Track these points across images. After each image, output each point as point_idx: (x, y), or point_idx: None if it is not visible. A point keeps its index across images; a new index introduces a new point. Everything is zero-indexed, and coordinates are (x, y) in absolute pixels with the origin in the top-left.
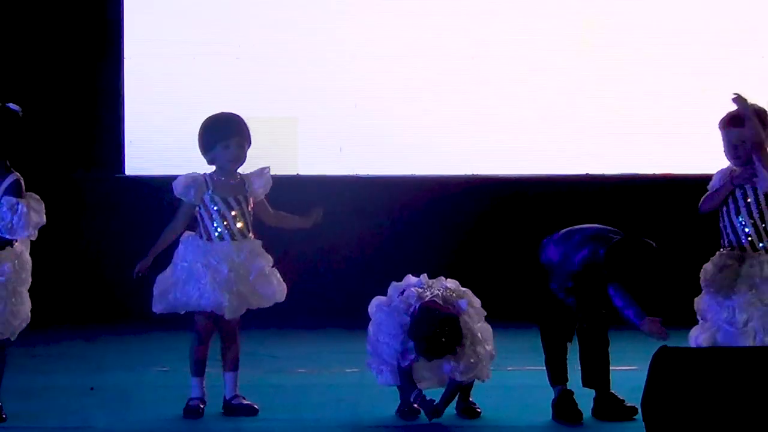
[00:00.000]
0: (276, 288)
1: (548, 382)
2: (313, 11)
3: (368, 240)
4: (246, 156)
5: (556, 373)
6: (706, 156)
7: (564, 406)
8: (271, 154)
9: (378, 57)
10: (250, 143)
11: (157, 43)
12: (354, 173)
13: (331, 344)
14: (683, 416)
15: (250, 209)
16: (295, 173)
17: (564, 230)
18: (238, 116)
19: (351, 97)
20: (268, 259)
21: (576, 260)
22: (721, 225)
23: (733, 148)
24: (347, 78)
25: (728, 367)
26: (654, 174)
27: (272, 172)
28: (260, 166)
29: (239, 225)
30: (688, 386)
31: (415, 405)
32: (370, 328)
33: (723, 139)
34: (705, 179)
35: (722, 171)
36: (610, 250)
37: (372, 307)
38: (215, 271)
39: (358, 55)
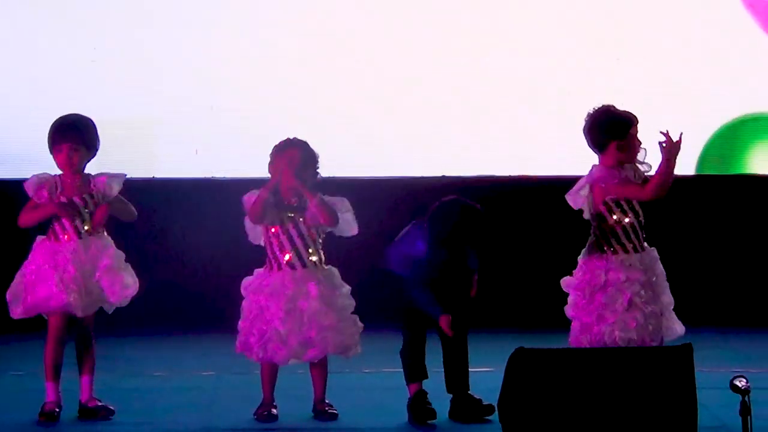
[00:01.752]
0: (126, 284)
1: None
2: (169, 13)
3: (222, 243)
4: (81, 160)
5: (414, 370)
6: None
7: (418, 408)
8: (127, 157)
9: (234, 59)
10: (90, 147)
11: (12, 46)
12: (211, 176)
13: (186, 347)
14: (539, 416)
15: (96, 208)
16: (151, 176)
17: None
18: (82, 121)
19: (207, 98)
20: (118, 256)
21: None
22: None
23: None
24: (203, 80)
25: (582, 368)
26: None
27: (129, 175)
28: (116, 169)
29: (85, 225)
30: (543, 386)
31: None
32: (245, 303)
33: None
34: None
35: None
36: (435, 210)
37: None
38: (63, 270)
39: (215, 56)
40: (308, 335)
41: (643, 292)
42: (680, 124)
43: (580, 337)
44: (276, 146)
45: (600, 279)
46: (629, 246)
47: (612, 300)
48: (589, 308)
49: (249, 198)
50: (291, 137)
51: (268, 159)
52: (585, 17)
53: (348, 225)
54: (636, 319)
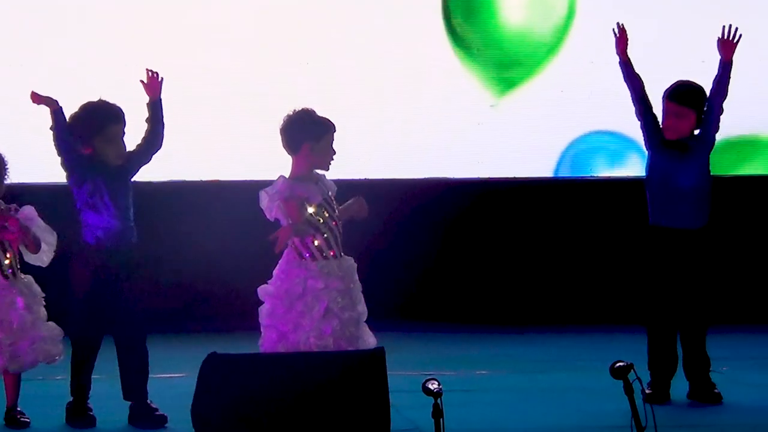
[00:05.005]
0: None
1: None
2: None
3: None
4: None
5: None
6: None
7: (76, 412)
8: None
9: None
10: None
11: None
12: None
13: None
14: (232, 422)
15: None
16: None
17: None
18: None
19: None
20: None
21: None
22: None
23: None
24: None
25: (275, 373)
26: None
27: None
28: None
29: None
30: (236, 392)
31: None
32: None
33: None
34: None
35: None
36: None
37: None
38: None
39: None
40: (20, 346)
41: (340, 299)
42: None
43: (276, 345)
44: None
45: (299, 287)
46: (328, 253)
47: (309, 308)
48: (288, 317)
49: None
50: None
51: None
52: None
53: (38, 258)
54: (332, 326)
